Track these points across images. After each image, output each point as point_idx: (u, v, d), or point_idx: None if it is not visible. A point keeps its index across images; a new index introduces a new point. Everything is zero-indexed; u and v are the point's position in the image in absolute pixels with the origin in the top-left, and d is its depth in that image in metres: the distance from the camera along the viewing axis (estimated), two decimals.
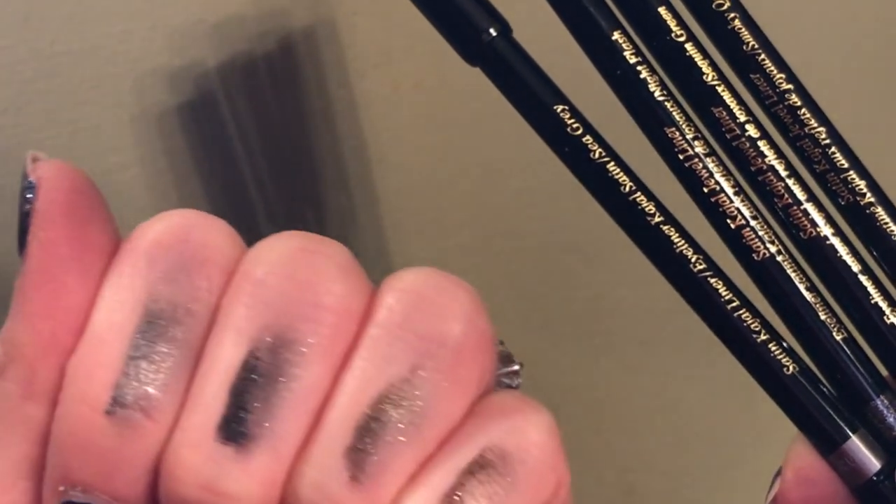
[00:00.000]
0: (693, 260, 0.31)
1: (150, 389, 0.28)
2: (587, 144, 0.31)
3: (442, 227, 0.51)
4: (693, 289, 0.31)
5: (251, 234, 0.30)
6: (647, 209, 0.31)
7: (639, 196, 0.31)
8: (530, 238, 0.53)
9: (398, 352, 0.29)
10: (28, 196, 0.29)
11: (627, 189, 0.31)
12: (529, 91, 0.32)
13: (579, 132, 0.31)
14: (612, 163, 0.31)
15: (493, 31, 0.32)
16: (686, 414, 0.57)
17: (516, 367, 0.32)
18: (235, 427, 0.28)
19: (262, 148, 0.45)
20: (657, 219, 0.31)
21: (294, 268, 0.29)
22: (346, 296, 0.29)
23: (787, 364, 0.31)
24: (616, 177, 0.31)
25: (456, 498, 0.28)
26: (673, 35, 0.32)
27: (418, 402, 0.28)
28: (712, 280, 0.31)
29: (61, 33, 0.40)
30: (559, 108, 0.31)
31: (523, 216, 0.52)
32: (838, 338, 0.32)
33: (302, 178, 0.47)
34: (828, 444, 0.32)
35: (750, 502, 0.59)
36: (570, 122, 0.31)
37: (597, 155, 0.31)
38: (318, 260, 0.29)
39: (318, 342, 0.28)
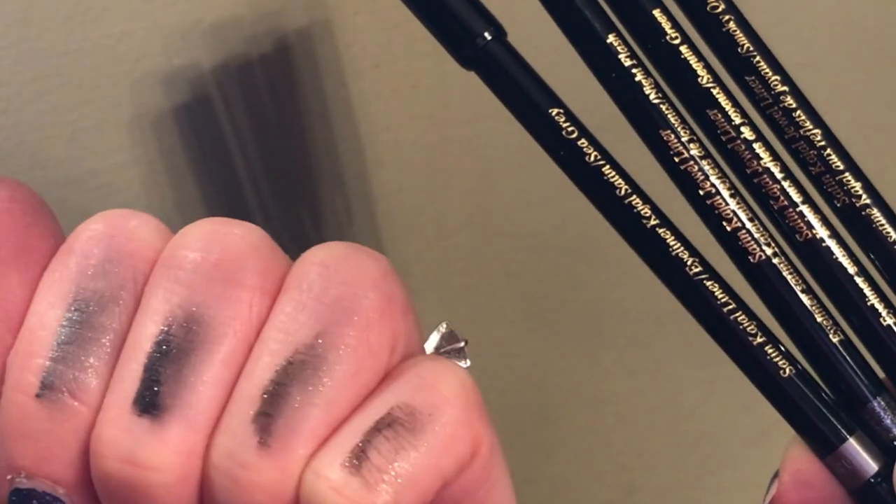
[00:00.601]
0: (689, 263, 0.31)
1: (76, 373, 0.29)
2: (582, 148, 0.31)
3: (442, 227, 0.51)
4: (689, 292, 0.31)
5: None
6: (642, 212, 0.31)
7: (634, 199, 0.31)
8: (530, 238, 0.53)
9: (304, 319, 0.30)
10: None
11: (623, 192, 0.31)
12: (524, 95, 0.32)
13: (574, 135, 0.31)
14: (608, 166, 0.31)
15: (487, 35, 0.32)
16: (686, 414, 0.57)
17: (461, 345, 0.32)
18: (149, 399, 0.29)
19: (259, 149, 0.45)
20: (653, 222, 0.31)
21: (207, 248, 0.30)
22: (258, 273, 0.30)
23: (784, 366, 0.31)
24: (612, 180, 0.31)
25: (361, 455, 0.29)
26: (668, 37, 0.32)
27: (323, 366, 0.29)
28: (708, 283, 0.31)
29: (61, 33, 0.40)
30: (554, 111, 0.31)
31: (523, 216, 0.52)
32: (835, 340, 0.32)
33: (299, 179, 0.47)
34: (825, 447, 0.32)
35: (750, 502, 0.59)
36: (565, 125, 0.31)
37: (592, 158, 0.31)
38: (229, 240, 0.30)
39: (230, 316, 0.30)
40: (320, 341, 0.29)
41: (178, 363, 0.29)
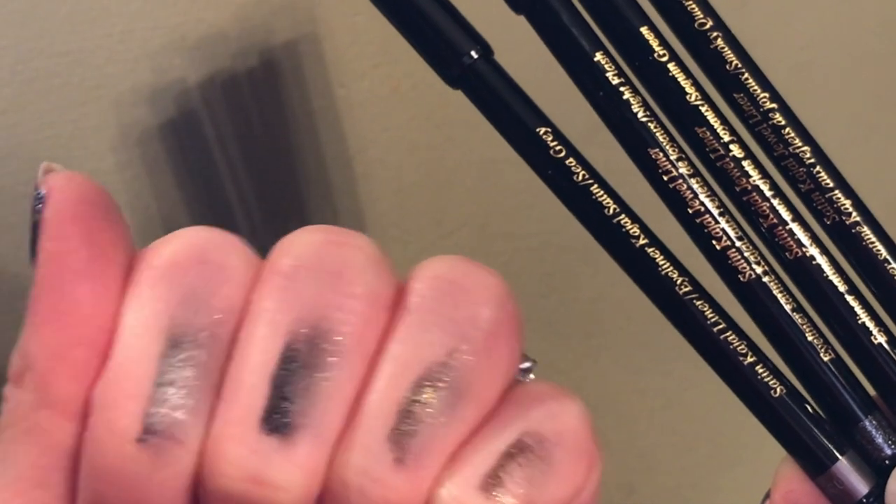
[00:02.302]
0: (678, 282, 0.31)
1: (179, 415, 0.28)
2: (570, 167, 0.31)
3: (441, 227, 0.51)
4: (679, 311, 0.31)
5: None
6: (631, 231, 0.31)
7: (623, 218, 0.31)
8: (530, 238, 0.53)
9: (434, 336, 0.29)
10: (38, 207, 0.29)
11: (612, 211, 0.31)
12: (512, 114, 0.31)
13: (562, 154, 0.31)
14: (596, 185, 0.31)
15: (474, 54, 0.31)
16: (686, 414, 0.57)
17: (528, 364, 0.32)
18: (279, 418, 0.28)
19: (245, 160, 0.45)
20: (642, 241, 0.31)
21: (323, 259, 0.29)
22: (376, 285, 0.29)
23: (775, 386, 0.31)
24: (600, 199, 0.31)
25: (496, 479, 0.29)
26: (655, 55, 0.31)
27: (456, 383, 0.29)
28: (698, 302, 0.31)
29: (61, 33, 0.40)
30: (542, 130, 0.31)
31: (523, 216, 0.52)
32: (826, 359, 0.31)
33: (289, 190, 0.47)
34: (816, 467, 0.31)
35: (750, 502, 0.59)
36: (552, 144, 0.31)
37: (580, 177, 0.31)
38: (345, 251, 0.29)
39: (353, 331, 0.29)
40: (450, 358, 0.29)
41: (305, 379, 0.28)
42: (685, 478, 0.59)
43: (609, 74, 0.31)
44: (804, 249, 0.31)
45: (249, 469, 0.28)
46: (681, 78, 0.31)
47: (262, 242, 0.46)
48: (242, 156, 0.45)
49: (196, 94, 0.43)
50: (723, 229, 0.31)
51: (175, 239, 0.30)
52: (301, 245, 0.30)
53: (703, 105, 0.31)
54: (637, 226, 0.31)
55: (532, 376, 0.33)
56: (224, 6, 0.42)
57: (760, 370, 0.31)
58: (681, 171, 0.31)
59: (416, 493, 0.29)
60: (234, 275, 0.29)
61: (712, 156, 0.31)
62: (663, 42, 0.31)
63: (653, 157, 0.31)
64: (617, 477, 0.59)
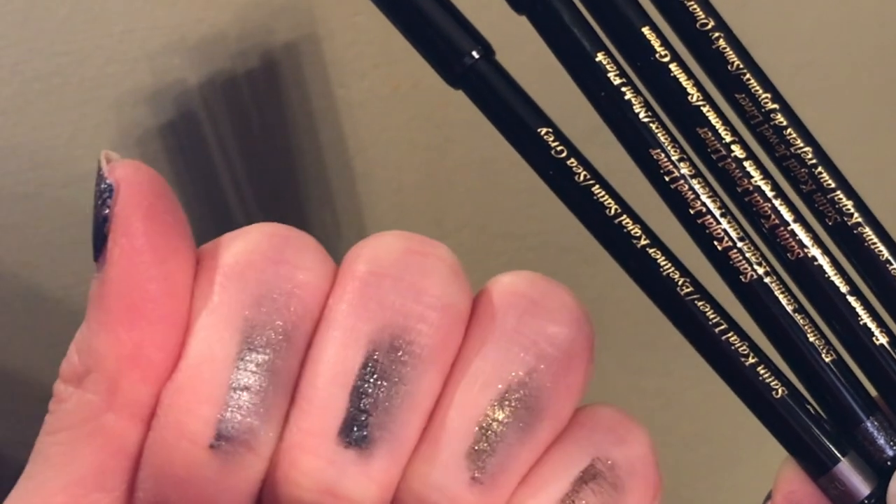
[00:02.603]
0: (680, 283, 0.31)
1: (253, 421, 0.28)
2: (572, 167, 0.31)
3: (441, 227, 0.51)
4: (680, 312, 0.31)
5: None
6: (632, 232, 0.31)
7: (624, 219, 0.31)
8: (530, 238, 0.53)
9: (514, 354, 0.29)
10: (107, 199, 0.28)
11: (613, 212, 0.31)
12: (513, 114, 0.31)
13: (563, 155, 0.31)
14: (597, 185, 0.31)
15: (475, 54, 0.31)
16: (686, 414, 0.57)
17: None
18: (357, 430, 0.28)
19: (245, 160, 0.45)
20: (643, 241, 0.31)
21: (404, 268, 0.29)
22: (457, 297, 0.29)
23: (776, 387, 0.31)
24: (601, 199, 0.31)
25: None
26: (657, 55, 0.31)
27: (534, 402, 0.29)
28: (699, 303, 0.31)
29: (61, 33, 0.40)
30: (543, 130, 0.31)
31: (523, 216, 0.52)
32: (827, 360, 0.31)
33: (289, 190, 0.47)
34: (818, 468, 0.31)
35: (750, 502, 0.59)
36: (554, 144, 0.31)
37: (581, 178, 0.31)
38: (428, 262, 0.29)
39: (432, 343, 0.28)
40: (530, 378, 0.29)
41: (385, 391, 0.28)
42: (685, 478, 0.59)
43: (611, 75, 0.31)
44: (806, 250, 0.31)
45: (325, 481, 0.28)
46: (682, 78, 0.31)
47: None
48: (242, 156, 0.45)
49: (196, 94, 0.43)
50: (724, 230, 0.31)
51: (247, 235, 0.29)
52: (381, 251, 0.29)
53: (704, 105, 0.31)
54: (638, 226, 0.31)
55: None
56: (224, 7, 0.42)
57: (762, 371, 0.31)
58: (682, 171, 0.31)
59: None
60: (311, 277, 0.29)
61: (714, 156, 0.31)
62: (665, 42, 0.31)
63: (654, 157, 0.31)
64: None
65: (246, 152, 0.45)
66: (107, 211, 0.28)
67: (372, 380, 0.28)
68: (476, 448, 0.28)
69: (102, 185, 0.28)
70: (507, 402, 0.29)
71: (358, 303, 0.28)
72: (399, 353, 0.28)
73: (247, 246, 0.29)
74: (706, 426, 0.58)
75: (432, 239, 0.30)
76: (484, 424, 0.29)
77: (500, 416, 0.29)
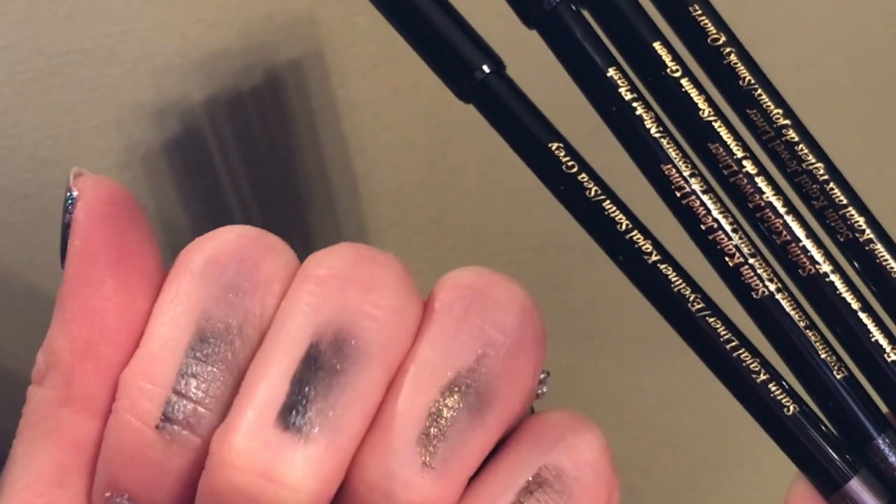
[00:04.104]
0: (691, 299, 0.31)
1: (199, 408, 0.29)
2: (583, 182, 0.31)
3: (441, 227, 0.51)
4: (691, 328, 0.31)
5: None
6: (643, 248, 0.31)
7: (635, 234, 0.31)
8: (530, 238, 0.53)
9: (463, 342, 0.30)
10: (69, 207, 0.30)
11: (624, 227, 0.31)
12: (524, 129, 0.31)
13: (574, 170, 0.31)
14: (608, 201, 0.31)
15: (486, 69, 0.31)
16: (686, 414, 0.57)
17: (542, 375, 0.32)
18: (296, 415, 0.28)
19: (244, 159, 0.45)
20: (654, 257, 0.31)
21: (354, 271, 0.30)
22: (403, 300, 0.30)
23: (788, 404, 0.31)
24: (612, 215, 0.31)
25: None
26: (668, 71, 0.31)
27: (483, 389, 0.29)
28: (711, 319, 0.31)
29: (61, 33, 0.40)
30: (554, 145, 0.31)
31: (523, 216, 0.52)
32: (839, 376, 0.31)
33: (288, 190, 0.47)
34: (829, 485, 0.31)
35: (750, 502, 0.60)
36: (565, 159, 0.31)
37: (592, 193, 0.31)
38: (376, 266, 0.30)
39: (377, 339, 0.29)
40: (478, 364, 0.29)
41: (327, 381, 0.29)
42: (685, 478, 0.59)
43: (622, 90, 0.31)
44: (817, 266, 0.31)
45: (260, 463, 0.28)
46: (694, 93, 0.31)
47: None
48: (241, 155, 0.45)
49: (196, 94, 0.43)
50: (736, 246, 0.31)
51: (215, 235, 0.30)
52: (335, 257, 0.30)
53: (716, 121, 0.31)
54: (649, 242, 0.31)
55: (546, 388, 0.33)
56: (223, 6, 0.42)
57: (773, 388, 0.31)
58: (693, 187, 0.31)
59: (441, 499, 0.29)
60: (270, 276, 0.30)
61: (725, 172, 0.31)
62: (676, 57, 0.31)
63: (665, 172, 0.31)
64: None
65: (245, 152, 0.45)
66: (68, 217, 0.30)
67: (313, 369, 0.29)
68: (426, 434, 0.29)
69: (67, 196, 0.30)
70: (456, 389, 0.29)
71: (306, 299, 0.29)
72: (342, 347, 0.29)
73: (215, 244, 0.30)
74: (706, 426, 0.58)
75: (383, 250, 0.31)
76: (434, 410, 0.29)
77: (449, 402, 0.29)
